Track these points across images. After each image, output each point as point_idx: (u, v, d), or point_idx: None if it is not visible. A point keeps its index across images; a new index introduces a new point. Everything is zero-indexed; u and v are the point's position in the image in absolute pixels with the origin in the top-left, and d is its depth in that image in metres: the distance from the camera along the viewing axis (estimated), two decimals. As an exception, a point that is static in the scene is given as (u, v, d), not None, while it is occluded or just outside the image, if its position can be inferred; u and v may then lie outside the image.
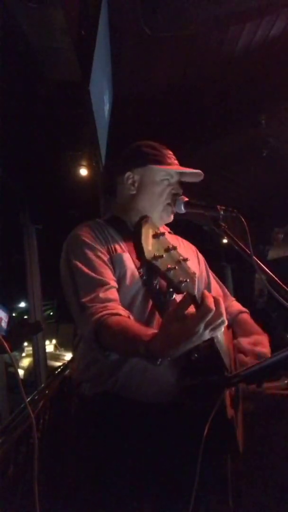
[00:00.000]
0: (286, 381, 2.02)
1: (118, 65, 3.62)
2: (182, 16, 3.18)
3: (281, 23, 3.42)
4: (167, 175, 1.46)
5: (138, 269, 1.33)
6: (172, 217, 1.51)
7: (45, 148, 4.13)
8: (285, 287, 1.26)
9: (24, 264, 5.69)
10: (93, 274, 1.29)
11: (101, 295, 1.26)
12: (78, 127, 3.62)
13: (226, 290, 1.70)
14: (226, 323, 1.00)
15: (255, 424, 1.66)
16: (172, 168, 1.47)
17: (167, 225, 1.61)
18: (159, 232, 0.91)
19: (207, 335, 0.97)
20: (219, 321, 0.97)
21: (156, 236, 0.90)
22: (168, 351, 1.00)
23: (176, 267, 0.91)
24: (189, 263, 0.96)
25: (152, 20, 3.16)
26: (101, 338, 1.19)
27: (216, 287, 1.66)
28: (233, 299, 1.71)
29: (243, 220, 1.35)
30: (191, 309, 0.96)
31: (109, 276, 1.31)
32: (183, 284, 0.91)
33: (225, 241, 1.47)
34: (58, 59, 2.76)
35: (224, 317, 0.98)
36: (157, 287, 1.32)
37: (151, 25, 3.18)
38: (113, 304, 1.25)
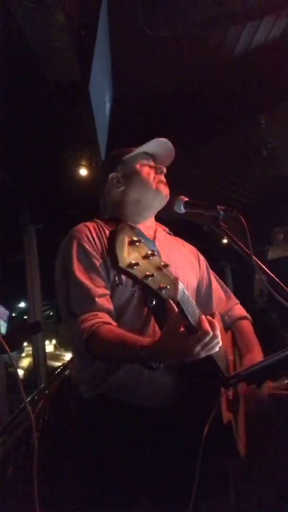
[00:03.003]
0: (286, 381, 2.02)
1: (118, 65, 3.62)
2: (182, 16, 3.18)
3: (281, 23, 3.43)
4: (143, 160, 1.50)
5: (114, 277, 1.31)
6: (167, 197, 1.51)
7: (45, 148, 4.13)
8: (285, 287, 1.26)
9: (24, 264, 5.69)
10: (87, 282, 1.29)
11: (93, 304, 1.26)
12: (78, 127, 3.62)
13: (229, 291, 1.69)
14: (221, 343, 1.08)
15: (255, 424, 1.66)
16: (138, 150, 1.50)
17: (167, 225, 1.60)
18: (136, 238, 0.89)
19: (203, 354, 1.06)
20: (214, 342, 1.06)
21: (132, 243, 0.88)
22: (167, 360, 1.12)
23: (155, 274, 0.89)
24: (171, 268, 0.95)
25: (152, 20, 3.16)
26: (92, 346, 1.21)
27: (217, 288, 1.64)
28: (237, 302, 1.69)
29: (243, 220, 1.34)
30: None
31: (101, 284, 1.31)
32: (163, 291, 0.91)
33: (225, 241, 1.46)
34: (58, 59, 2.76)
35: (219, 338, 1.07)
36: (135, 294, 1.31)
37: (151, 25, 3.19)
38: (103, 314, 1.26)
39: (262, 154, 4.82)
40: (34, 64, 2.85)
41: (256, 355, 1.47)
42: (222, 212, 1.38)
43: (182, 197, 1.46)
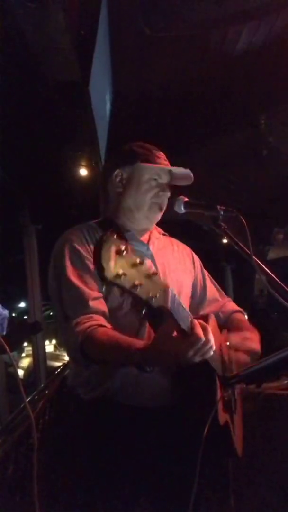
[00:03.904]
0: (286, 381, 2.02)
1: (118, 65, 3.62)
2: (182, 16, 3.18)
3: (281, 23, 3.42)
4: (155, 175, 1.44)
5: (102, 287, 1.30)
6: (159, 215, 1.48)
7: (45, 148, 4.14)
8: (285, 287, 1.26)
9: (24, 264, 5.70)
10: (80, 285, 1.28)
11: (87, 306, 1.26)
12: (78, 127, 3.62)
13: (221, 291, 1.69)
14: (214, 347, 1.09)
15: (255, 424, 1.66)
16: (160, 166, 1.44)
17: (162, 227, 1.59)
18: (123, 247, 0.86)
19: (196, 359, 1.06)
20: (208, 347, 1.06)
21: (119, 252, 0.86)
22: (160, 364, 1.15)
23: (143, 283, 0.88)
24: (160, 275, 0.94)
25: (152, 20, 3.16)
26: (86, 349, 1.21)
27: (211, 288, 1.64)
28: (229, 298, 1.69)
29: (243, 220, 1.34)
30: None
31: (95, 287, 1.29)
32: (153, 299, 0.90)
33: (225, 241, 1.46)
34: (58, 59, 2.76)
35: (212, 343, 1.07)
36: (123, 305, 1.31)
37: (151, 25, 3.19)
38: (98, 316, 1.26)
39: (262, 154, 4.82)
40: (34, 64, 2.86)
41: (250, 334, 1.46)
42: (222, 212, 1.37)
43: (182, 197, 1.45)
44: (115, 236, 0.88)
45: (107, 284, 0.87)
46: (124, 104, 3.98)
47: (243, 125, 4.52)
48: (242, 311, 1.66)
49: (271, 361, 1.21)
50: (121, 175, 1.47)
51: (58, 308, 1.32)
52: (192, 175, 1.46)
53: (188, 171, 1.45)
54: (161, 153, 1.49)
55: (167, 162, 1.48)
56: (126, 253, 0.87)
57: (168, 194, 1.46)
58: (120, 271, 0.85)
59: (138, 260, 0.88)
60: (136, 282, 0.87)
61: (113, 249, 0.86)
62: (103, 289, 1.29)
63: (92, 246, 1.35)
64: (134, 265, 0.88)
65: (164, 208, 1.47)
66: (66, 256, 1.33)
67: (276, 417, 2.03)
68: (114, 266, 0.85)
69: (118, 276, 0.85)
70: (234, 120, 4.37)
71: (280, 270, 1.45)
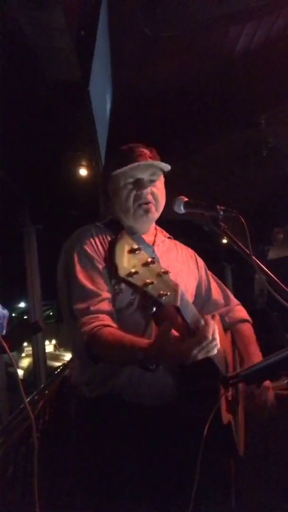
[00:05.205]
0: (286, 381, 2.02)
1: (118, 65, 3.62)
2: (182, 16, 3.18)
3: (281, 23, 3.43)
4: (129, 178, 1.41)
5: (114, 285, 1.31)
6: (149, 218, 1.44)
7: (45, 148, 4.14)
8: (285, 287, 1.26)
9: (24, 264, 5.70)
10: (88, 285, 1.30)
11: (94, 306, 1.27)
12: (78, 127, 3.62)
13: (229, 293, 1.67)
14: (219, 346, 1.10)
15: (256, 424, 1.66)
16: (128, 166, 1.38)
17: (162, 227, 1.59)
18: (135, 247, 0.91)
19: (200, 356, 1.07)
20: (213, 345, 1.08)
21: (132, 251, 0.90)
22: (164, 362, 1.14)
23: (155, 281, 0.91)
24: (172, 275, 0.95)
25: (152, 20, 3.16)
26: (92, 348, 1.22)
27: (216, 290, 1.63)
28: (238, 303, 1.68)
29: (242, 220, 1.34)
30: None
31: (103, 287, 1.31)
32: (163, 298, 0.92)
33: (225, 241, 1.45)
34: (58, 59, 2.77)
35: (218, 340, 1.08)
36: (134, 302, 1.32)
37: (151, 25, 3.19)
38: (104, 316, 1.27)
39: (262, 154, 4.82)
40: (34, 64, 2.86)
41: (254, 356, 1.47)
42: (222, 212, 1.37)
43: (182, 197, 1.45)
44: (128, 236, 0.92)
45: (118, 282, 0.90)
46: (124, 104, 3.99)
47: (243, 125, 4.52)
48: (250, 320, 1.65)
49: (271, 361, 1.21)
50: (108, 190, 1.47)
51: (65, 306, 1.34)
52: (153, 163, 1.40)
53: (150, 163, 1.40)
54: (136, 149, 1.44)
55: (145, 155, 1.42)
56: (139, 251, 0.90)
57: (148, 189, 1.41)
58: (133, 270, 0.89)
59: (149, 259, 0.92)
60: (148, 280, 0.90)
61: (126, 248, 0.89)
62: (115, 287, 1.30)
63: (100, 247, 1.37)
64: (146, 263, 0.91)
65: (152, 207, 1.43)
66: (75, 256, 1.35)
67: (276, 417, 2.03)
68: (127, 264, 0.88)
69: (130, 274, 0.88)
70: (234, 120, 4.37)
71: (280, 270, 1.45)
